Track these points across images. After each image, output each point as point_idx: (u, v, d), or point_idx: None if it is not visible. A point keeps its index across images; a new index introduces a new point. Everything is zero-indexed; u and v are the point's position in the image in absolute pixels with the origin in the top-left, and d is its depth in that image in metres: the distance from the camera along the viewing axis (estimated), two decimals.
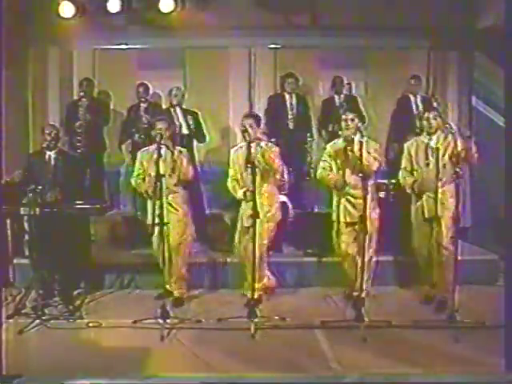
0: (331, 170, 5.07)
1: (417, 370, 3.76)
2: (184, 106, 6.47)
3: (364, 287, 4.70)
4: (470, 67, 6.97)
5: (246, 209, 4.94)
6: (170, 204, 4.98)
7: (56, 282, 5.07)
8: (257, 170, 4.69)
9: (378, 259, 5.15)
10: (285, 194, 5.96)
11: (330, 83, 6.98)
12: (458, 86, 7.20)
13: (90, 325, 4.52)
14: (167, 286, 4.96)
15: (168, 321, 4.44)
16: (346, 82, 7.02)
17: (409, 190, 5.01)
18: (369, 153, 4.74)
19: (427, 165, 4.89)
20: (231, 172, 5.12)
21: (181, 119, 6.31)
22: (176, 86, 6.54)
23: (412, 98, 6.77)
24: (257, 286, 4.74)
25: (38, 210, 4.78)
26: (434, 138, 4.91)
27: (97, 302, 5.16)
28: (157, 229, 4.85)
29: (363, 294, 4.64)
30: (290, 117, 6.72)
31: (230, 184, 5.12)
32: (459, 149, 4.74)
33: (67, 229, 4.96)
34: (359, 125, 4.94)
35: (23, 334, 4.35)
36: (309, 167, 6.39)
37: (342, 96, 6.92)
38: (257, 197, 4.64)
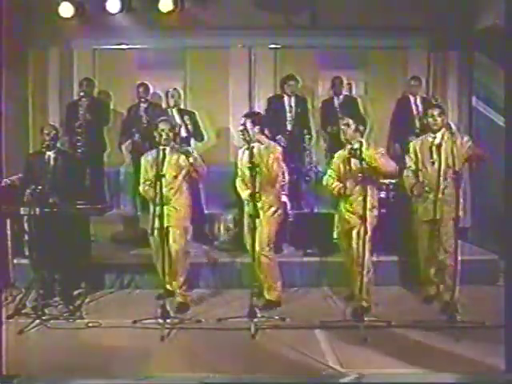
0: (338, 178, 4.96)
1: (417, 369, 3.76)
2: (181, 107, 6.48)
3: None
4: (469, 67, 6.96)
5: (248, 209, 4.91)
6: (174, 206, 4.89)
7: (56, 282, 5.06)
8: (257, 170, 4.64)
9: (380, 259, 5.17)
10: (285, 195, 5.97)
11: (330, 84, 6.99)
12: (458, 86, 7.20)
13: (90, 325, 4.51)
14: (168, 286, 4.95)
15: (168, 321, 4.44)
16: (346, 82, 7.03)
17: (409, 192, 4.99)
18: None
19: (432, 164, 4.85)
20: (239, 172, 5.07)
21: (178, 120, 6.32)
22: (173, 87, 6.56)
23: (412, 98, 6.77)
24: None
25: (37, 210, 4.78)
26: (439, 135, 4.85)
27: (97, 302, 5.16)
28: (156, 231, 4.84)
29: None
30: (289, 118, 6.73)
31: (237, 184, 5.08)
32: (465, 148, 4.72)
33: (67, 229, 4.95)
34: (360, 127, 4.91)
35: (23, 334, 4.35)
36: (309, 167, 6.39)
37: (342, 97, 6.93)
38: (260, 197, 4.63)
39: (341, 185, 4.87)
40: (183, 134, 6.30)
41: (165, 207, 4.60)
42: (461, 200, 4.63)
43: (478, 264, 5.58)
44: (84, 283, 5.28)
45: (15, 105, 6.43)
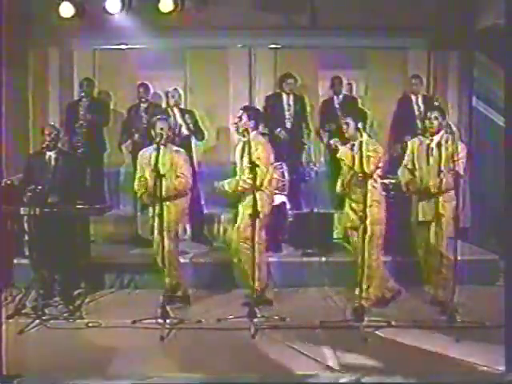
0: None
1: (417, 370, 3.76)
2: (181, 106, 6.48)
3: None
4: (470, 67, 6.96)
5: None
6: (169, 207, 4.85)
7: (56, 282, 5.07)
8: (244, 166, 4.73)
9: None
10: (285, 195, 5.98)
11: (329, 83, 6.99)
12: (458, 86, 7.20)
13: (90, 325, 4.51)
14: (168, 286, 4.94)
15: (168, 321, 4.44)
16: (346, 82, 7.04)
17: (404, 189, 4.99)
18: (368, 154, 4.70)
19: (428, 165, 4.86)
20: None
21: (179, 119, 6.31)
22: (173, 87, 6.55)
23: (413, 97, 6.77)
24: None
25: (37, 210, 4.78)
26: (436, 138, 4.86)
27: (97, 302, 5.16)
28: (156, 231, 4.84)
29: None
30: (287, 116, 6.73)
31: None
32: (459, 155, 4.69)
33: (67, 229, 4.96)
34: (359, 126, 4.90)
35: (23, 334, 4.35)
36: (308, 167, 6.39)
37: (341, 96, 6.93)
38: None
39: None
40: (185, 132, 6.29)
41: (163, 207, 4.58)
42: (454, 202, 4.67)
43: (478, 264, 5.58)
44: (84, 283, 5.27)
45: (15, 105, 6.43)
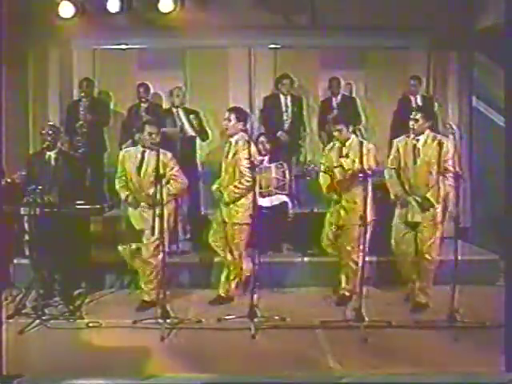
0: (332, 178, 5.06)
1: (417, 369, 3.76)
2: (186, 106, 6.47)
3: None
4: (470, 67, 6.96)
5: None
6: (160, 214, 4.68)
7: (56, 282, 5.08)
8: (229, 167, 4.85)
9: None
10: (286, 194, 5.97)
11: (327, 85, 6.99)
12: (458, 86, 7.19)
13: (90, 325, 4.52)
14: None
15: (168, 321, 4.45)
16: (344, 82, 7.04)
17: (393, 196, 4.94)
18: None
19: (415, 164, 4.83)
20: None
21: (184, 120, 6.30)
22: (177, 86, 6.54)
23: (412, 98, 6.77)
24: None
25: (38, 209, 4.77)
26: (421, 138, 4.85)
27: (97, 302, 5.16)
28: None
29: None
30: (285, 117, 6.73)
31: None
32: (447, 156, 4.71)
33: (67, 229, 4.95)
34: (350, 129, 4.99)
35: (23, 334, 4.35)
36: (306, 166, 6.38)
37: (340, 97, 6.93)
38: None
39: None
40: (190, 133, 6.29)
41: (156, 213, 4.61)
42: (441, 202, 4.69)
43: (478, 264, 5.59)
44: (84, 283, 5.28)
45: (15, 105, 6.42)
